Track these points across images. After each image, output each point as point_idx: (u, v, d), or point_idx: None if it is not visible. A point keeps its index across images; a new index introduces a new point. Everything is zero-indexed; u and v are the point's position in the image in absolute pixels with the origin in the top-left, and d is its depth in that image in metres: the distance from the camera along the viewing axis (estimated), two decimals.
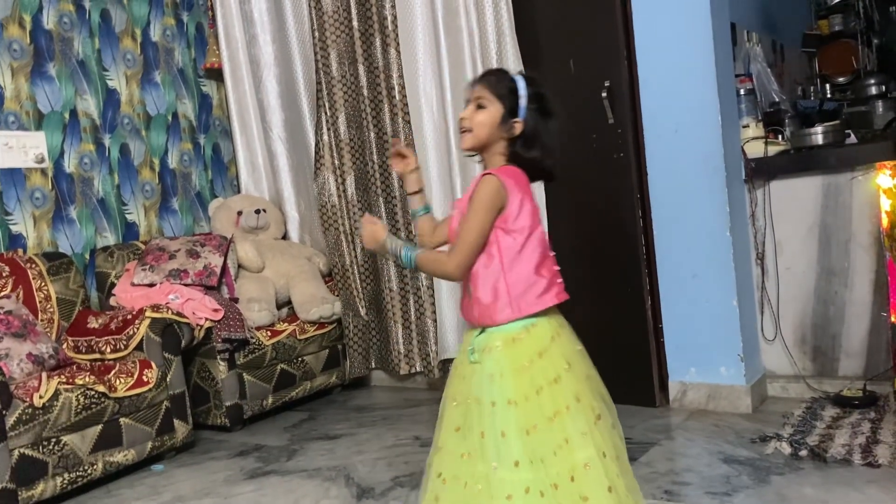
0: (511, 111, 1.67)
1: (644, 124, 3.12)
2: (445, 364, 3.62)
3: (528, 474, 1.57)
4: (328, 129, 3.95)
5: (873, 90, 4.39)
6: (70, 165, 3.66)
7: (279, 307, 3.86)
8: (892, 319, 2.87)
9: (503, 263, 1.65)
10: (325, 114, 3.93)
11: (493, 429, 1.60)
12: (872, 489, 2.19)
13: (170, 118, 4.16)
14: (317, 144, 4.00)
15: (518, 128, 1.67)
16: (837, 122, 3.26)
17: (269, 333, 3.62)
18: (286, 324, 3.75)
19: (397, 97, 3.67)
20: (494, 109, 1.67)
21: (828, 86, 4.74)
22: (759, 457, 2.52)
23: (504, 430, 1.59)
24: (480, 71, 3.34)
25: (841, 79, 4.80)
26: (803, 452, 2.49)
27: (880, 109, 4.30)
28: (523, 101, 1.67)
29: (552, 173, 1.76)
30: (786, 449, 2.53)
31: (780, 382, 3.16)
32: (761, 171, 3.11)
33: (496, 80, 1.70)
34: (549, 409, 1.60)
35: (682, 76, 3.00)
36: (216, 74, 4.36)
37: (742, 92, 3.29)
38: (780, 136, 3.30)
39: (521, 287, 1.65)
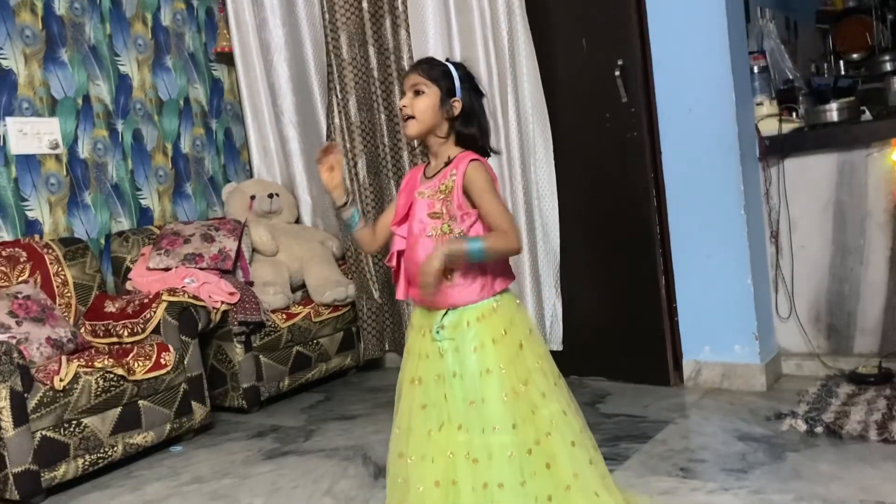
0: (448, 92, 1.73)
1: (657, 103, 3.11)
2: None
3: (521, 436, 1.66)
4: (339, 112, 3.95)
5: (888, 66, 4.34)
6: (84, 151, 3.67)
7: (293, 290, 3.88)
8: None
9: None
10: (336, 97, 3.93)
11: (479, 397, 1.67)
12: (889, 465, 2.19)
13: (182, 103, 4.16)
14: (328, 128, 4.00)
15: (457, 107, 1.73)
16: (852, 98, 3.24)
17: (284, 316, 3.65)
18: (301, 307, 3.78)
19: None
20: (433, 93, 1.72)
21: (842, 62, 4.69)
22: (774, 434, 2.53)
23: (491, 396, 1.67)
24: (492, 52, 3.34)
25: (855, 55, 4.75)
26: (819, 429, 2.49)
27: (895, 85, 4.26)
28: (457, 82, 1.74)
29: (489, 148, 1.81)
30: (801, 426, 2.53)
31: (795, 360, 3.16)
32: (775, 149, 3.10)
33: (429, 67, 1.76)
34: (522, 374, 1.71)
35: (695, 54, 2.98)
36: (227, 59, 4.36)
37: (756, 69, 3.26)
38: (794, 114, 3.28)
39: (497, 267, 1.74)
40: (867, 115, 3.13)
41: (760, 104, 3.18)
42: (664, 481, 2.26)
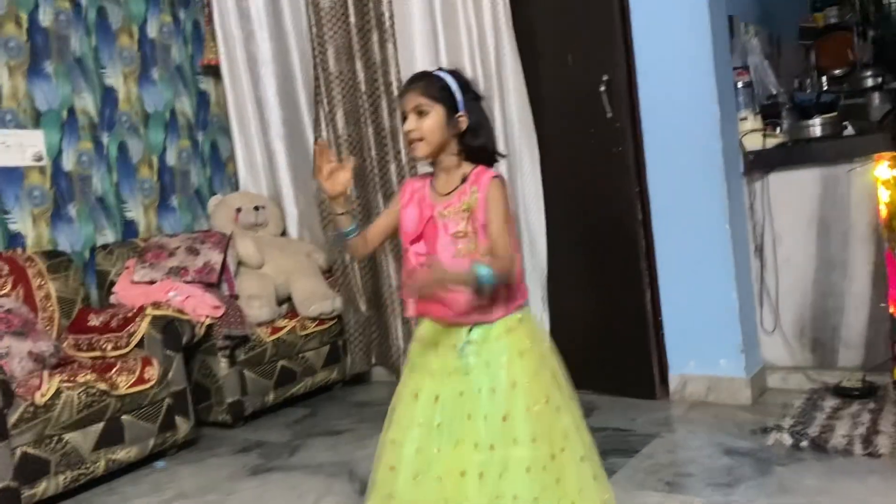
0: (451, 108, 1.69)
1: (642, 117, 3.13)
2: None
3: (540, 450, 1.64)
4: (326, 126, 3.95)
5: (869, 82, 4.38)
6: (68, 164, 3.65)
7: (279, 303, 3.86)
8: (891, 311, 2.89)
9: None
10: (324, 110, 3.93)
11: (511, 410, 1.65)
12: (874, 479, 2.20)
13: (168, 116, 4.15)
14: (315, 141, 3.99)
15: (464, 122, 1.70)
16: (834, 114, 3.27)
17: (269, 330, 3.63)
18: (287, 320, 3.76)
19: (395, 93, 3.67)
20: (437, 112, 1.68)
21: (824, 78, 4.74)
22: (760, 448, 2.54)
23: (520, 410, 1.65)
24: (479, 67, 3.36)
25: (837, 71, 4.79)
26: (804, 443, 2.50)
27: (877, 101, 4.30)
28: (459, 95, 1.70)
29: (496, 154, 1.78)
30: (787, 440, 2.54)
31: (780, 374, 3.17)
32: (759, 164, 3.12)
33: (427, 84, 1.71)
34: (544, 389, 1.70)
35: (680, 69, 3.00)
36: (214, 71, 4.36)
37: (740, 84, 3.29)
38: (777, 129, 3.31)
39: (518, 276, 1.74)
40: (849, 131, 3.16)
41: (745, 119, 3.21)
42: (651, 496, 2.26)
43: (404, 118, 1.72)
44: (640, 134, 3.15)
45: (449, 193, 1.72)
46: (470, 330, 1.69)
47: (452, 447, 1.67)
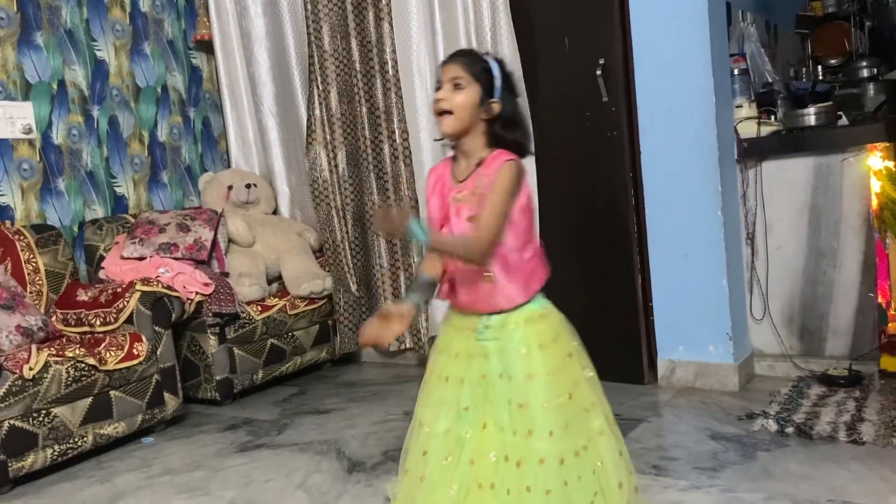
0: (487, 91, 1.65)
1: (638, 103, 3.12)
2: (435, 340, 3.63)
3: (558, 444, 1.63)
4: (320, 104, 3.92)
5: (865, 73, 4.39)
6: (58, 137, 3.61)
7: (269, 282, 3.85)
8: (879, 300, 2.91)
9: (519, 246, 1.68)
10: (317, 88, 3.90)
11: (526, 401, 1.64)
12: (856, 466, 2.22)
13: (159, 91, 4.11)
14: (308, 119, 3.97)
15: (496, 108, 1.66)
16: (829, 103, 3.27)
17: (259, 308, 3.62)
18: (277, 299, 3.75)
19: (390, 72, 3.64)
20: (473, 90, 1.65)
21: (820, 67, 4.74)
22: (745, 434, 2.56)
23: (536, 401, 1.64)
24: (475, 47, 3.33)
25: (833, 61, 4.80)
26: (789, 430, 2.52)
27: (871, 92, 4.31)
28: (498, 81, 1.67)
29: (529, 149, 1.75)
30: (772, 426, 2.56)
31: (768, 361, 3.20)
32: (753, 152, 3.12)
33: (471, 61, 1.68)
34: (570, 382, 1.69)
35: (676, 55, 2.99)
36: (206, 47, 4.31)
37: (736, 72, 3.29)
38: (772, 117, 3.31)
39: (530, 268, 1.71)
40: (844, 121, 3.17)
41: (740, 107, 3.20)
42: (637, 479, 2.27)
43: (438, 88, 1.68)
44: (635, 119, 3.14)
45: (465, 179, 1.69)
46: (489, 316, 1.69)
47: (480, 430, 1.67)
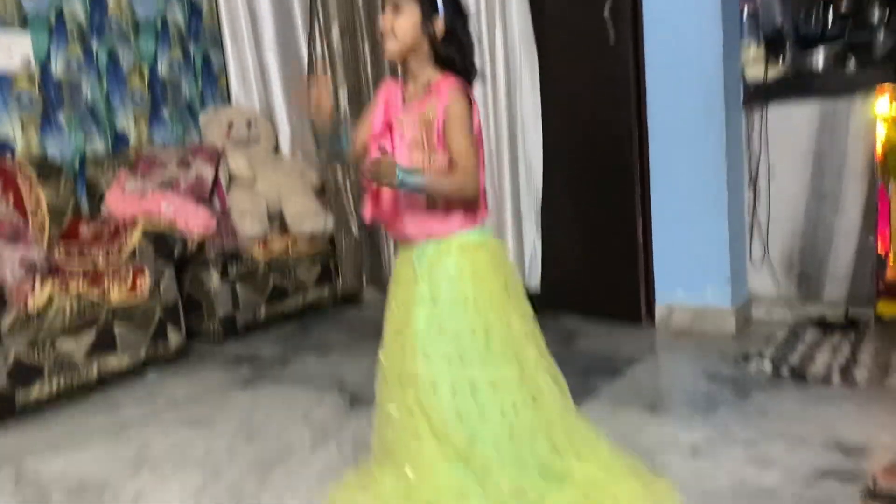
0: (429, 10, 1.64)
1: (645, 44, 3.07)
2: None
3: (479, 371, 1.66)
4: (321, 40, 3.86)
5: (876, 17, 4.32)
6: (57, 70, 3.57)
7: (271, 221, 3.85)
8: (879, 245, 2.92)
9: None
10: (319, 24, 3.84)
11: (449, 326, 1.67)
12: (848, 406, 2.27)
13: (159, 24, 4.04)
14: (309, 56, 3.91)
15: (440, 26, 1.64)
16: (839, 47, 3.22)
17: (261, 246, 3.63)
18: (278, 237, 3.76)
19: None
20: (412, 9, 1.64)
21: (831, 11, 4.65)
22: (741, 375, 2.60)
23: (461, 328, 1.67)
24: None
25: (844, 5, 4.71)
26: (784, 371, 2.56)
27: (882, 37, 4.24)
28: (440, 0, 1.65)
29: (474, 71, 1.73)
30: (767, 368, 2.60)
31: (765, 305, 3.22)
32: (760, 95, 3.09)
33: None
34: (505, 313, 1.71)
35: None
36: None
37: (745, 14, 3.23)
38: (780, 60, 3.26)
39: (477, 198, 1.70)
40: (852, 65, 3.12)
41: (748, 49, 3.16)
42: (632, 414, 2.32)
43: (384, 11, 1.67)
44: (642, 60, 3.09)
45: (413, 101, 1.70)
46: (427, 243, 1.71)
47: (409, 353, 1.70)
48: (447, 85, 1.65)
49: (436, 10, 1.64)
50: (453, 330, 1.67)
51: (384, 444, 1.79)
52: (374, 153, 1.70)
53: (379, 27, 1.68)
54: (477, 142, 1.68)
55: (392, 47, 1.67)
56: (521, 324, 1.75)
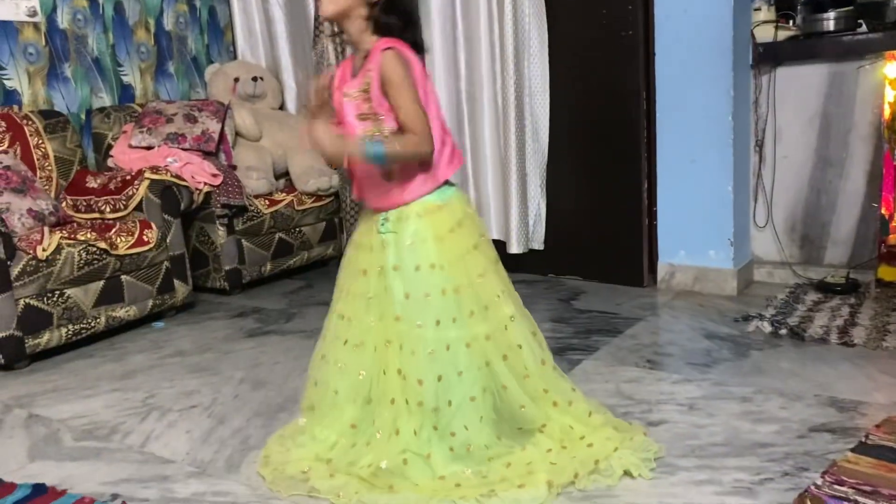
0: None
1: (654, 4, 3.05)
2: None
3: (451, 332, 1.69)
4: None
5: None
6: (63, 21, 3.55)
7: (276, 177, 3.87)
8: (882, 211, 2.93)
9: None
10: None
11: (417, 291, 1.69)
12: (845, 365, 2.30)
13: None
14: (316, 10, 3.88)
15: None
16: (850, 9, 3.19)
17: (267, 202, 3.65)
18: (284, 194, 3.78)
19: None
20: None
21: None
22: (740, 334, 2.63)
23: (428, 291, 1.69)
24: None
25: None
26: (783, 331, 2.59)
27: (895, 2, 4.19)
28: None
29: (419, 43, 1.69)
30: (766, 328, 2.63)
31: (767, 268, 3.25)
32: (768, 57, 3.08)
33: None
34: (474, 271, 1.73)
35: None
36: None
37: None
38: (790, 22, 3.24)
39: (435, 156, 1.68)
40: (863, 28, 3.10)
41: (758, 10, 3.13)
42: (631, 371, 2.36)
43: None
44: (651, 19, 3.07)
45: (357, 73, 1.67)
46: (389, 210, 1.72)
47: (380, 319, 1.74)
48: (379, 45, 1.61)
49: None
50: (423, 294, 1.69)
51: (327, 399, 1.82)
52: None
53: None
54: (425, 98, 1.65)
55: (327, 8, 1.63)
56: (493, 280, 1.77)
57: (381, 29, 1.64)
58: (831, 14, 3.04)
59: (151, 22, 3.95)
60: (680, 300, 3.08)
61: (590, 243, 3.40)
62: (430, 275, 1.69)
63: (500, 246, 3.42)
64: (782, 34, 3.09)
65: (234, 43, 4.29)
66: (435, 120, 1.68)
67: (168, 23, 4.03)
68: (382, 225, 1.72)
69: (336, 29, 1.69)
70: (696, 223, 3.13)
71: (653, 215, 3.24)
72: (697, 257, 3.16)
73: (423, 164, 1.68)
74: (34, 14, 3.43)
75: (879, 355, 2.36)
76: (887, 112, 2.86)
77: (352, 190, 1.79)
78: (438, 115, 1.71)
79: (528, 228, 3.44)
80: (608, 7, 3.13)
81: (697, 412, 2.05)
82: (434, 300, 1.69)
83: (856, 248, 3.07)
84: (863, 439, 1.79)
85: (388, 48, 1.61)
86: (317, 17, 3.87)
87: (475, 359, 1.71)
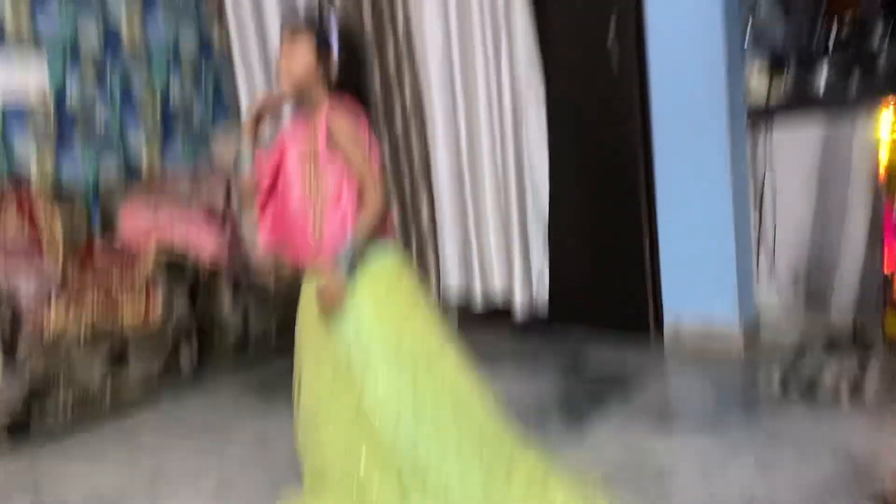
0: (324, 43, 1.71)
1: (650, 64, 3.11)
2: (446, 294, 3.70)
3: (404, 392, 1.70)
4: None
5: (878, 33, 4.34)
6: (72, 97, 3.64)
7: None
8: (885, 263, 2.93)
9: (354, 194, 1.72)
10: None
11: (359, 355, 1.71)
12: (858, 422, 2.28)
13: (171, 51, 4.11)
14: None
15: (333, 59, 1.72)
16: (842, 64, 3.25)
17: (272, 269, 3.66)
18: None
19: (401, 33, 3.63)
20: (307, 50, 1.71)
21: (833, 27, 4.68)
22: (750, 391, 2.61)
23: (373, 356, 1.71)
24: (486, 4, 3.31)
25: (846, 20, 4.74)
26: (793, 388, 2.57)
27: (886, 51, 4.26)
28: (334, 32, 1.72)
29: (362, 86, 1.81)
30: (776, 384, 2.61)
31: (773, 321, 3.23)
32: (764, 114, 3.12)
33: (306, 18, 1.76)
34: (415, 331, 1.75)
35: (688, 14, 2.98)
36: (217, 7, 4.28)
37: (748, 32, 3.26)
38: (784, 76, 3.29)
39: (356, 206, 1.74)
40: (855, 82, 3.15)
41: (751, 67, 3.19)
42: (640, 431, 2.33)
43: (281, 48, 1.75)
44: (646, 79, 3.13)
45: (304, 125, 1.76)
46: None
47: (331, 390, 1.74)
48: (323, 106, 1.71)
49: (329, 48, 1.71)
50: (367, 352, 1.70)
51: (316, 471, 1.81)
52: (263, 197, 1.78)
53: (276, 64, 1.75)
54: (368, 152, 1.72)
55: (285, 83, 1.73)
56: (430, 338, 1.77)
57: (329, 83, 1.74)
58: (823, 68, 3.09)
59: (157, 95, 4.03)
60: (687, 354, 3.06)
61: (594, 299, 3.40)
62: (371, 333, 1.73)
63: (505, 302, 3.45)
64: (776, 92, 3.14)
65: (238, 112, 4.36)
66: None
67: (174, 95, 4.11)
68: (310, 282, 1.78)
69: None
70: (700, 278, 3.13)
71: (656, 270, 3.25)
72: (703, 312, 3.15)
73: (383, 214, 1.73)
74: (44, 91, 3.51)
75: (892, 411, 2.33)
76: (883, 166, 2.88)
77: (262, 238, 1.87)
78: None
79: (532, 286, 3.45)
80: (603, 71, 3.20)
81: (711, 475, 2.02)
82: (378, 356, 1.72)
83: (860, 301, 3.06)
84: (880, 491, 1.76)
85: (337, 103, 1.71)
86: None
87: (431, 411, 1.72)
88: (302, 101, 1.77)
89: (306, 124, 1.76)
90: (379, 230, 1.74)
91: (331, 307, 1.70)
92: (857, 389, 2.49)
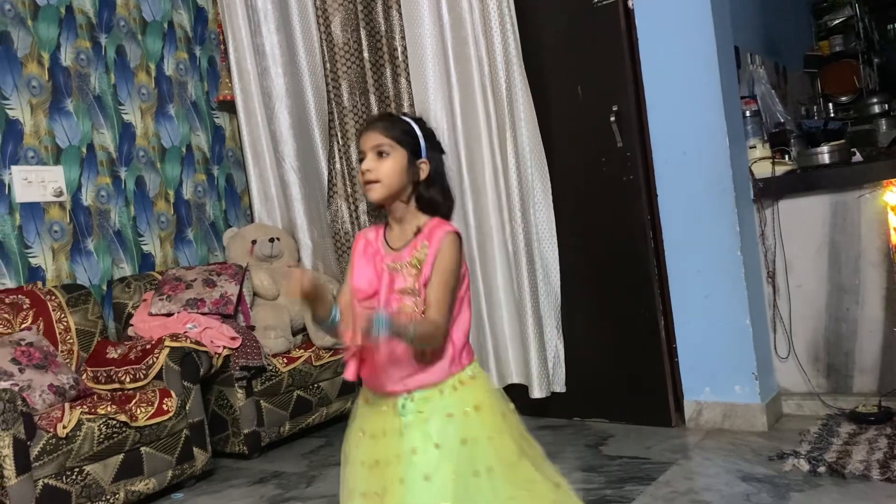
0: (414, 153, 1.63)
1: (652, 147, 3.17)
2: None
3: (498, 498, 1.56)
4: (340, 158, 4.01)
5: (876, 109, 4.45)
6: (87, 198, 3.72)
7: (294, 334, 3.89)
8: None
9: (454, 318, 1.62)
10: (338, 143, 4.00)
11: (472, 468, 1.55)
12: (890, 498, 2.20)
13: (184, 150, 4.23)
14: (329, 173, 4.06)
15: (425, 169, 1.63)
16: (842, 140, 3.31)
17: (285, 360, 3.65)
18: (302, 350, 3.79)
19: None
20: (399, 155, 1.61)
21: (831, 105, 4.80)
22: (777, 474, 2.54)
23: (479, 467, 1.55)
24: (491, 100, 3.41)
25: (844, 98, 4.87)
26: (821, 469, 2.50)
27: (884, 127, 4.36)
28: (423, 141, 1.64)
29: (451, 211, 1.70)
30: (804, 466, 2.54)
31: (795, 400, 3.18)
32: (769, 191, 3.16)
33: (390, 124, 1.64)
34: (512, 444, 1.61)
35: (688, 99, 3.06)
36: (229, 106, 4.44)
37: (748, 113, 3.34)
38: (786, 156, 3.35)
39: (463, 340, 1.64)
40: (858, 157, 3.20)
41: (753, 147, 3.25)
42: None
43: (362, 158, 1.63)
44: (650, 163, 3.19)
45: (402, 247, 1.63)
46: (410, 393, 1.59)
47: None
48: (441, 229, 1.60)
49: (420, 153, 1.63)
50: (456, 470, 1.54)
51: None
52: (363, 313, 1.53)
53: (361, 174, 1.63)
54: (463, 294, 1.62)
55: (378, 193, 1.61)
56: (532, 453, 1.65)
57: (424, 204, 1.65)
58: (825, 148, 3.15)
59: (171, 193, 4.13)
60: (710, 439, 2.99)
61: (613, 384, 3.35)
62: (477, 449, 1.56)
63: (522, 390, 3.40)
64: (780, 169, 3.19)
65: (250, 207, 4.45)
66: (468, 304, 1.65)
67: (187, 192, 4.21)
68: (403, 408, 1.59)
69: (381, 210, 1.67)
70: (718, 358, 3.10)
71: (673, 353, 3.22)
72: (723, 393, 3.10)
73: (426, 352, 1.59)
74: (60, 194, 3.60)
75: None
76: (894, 237, 2.90)
77: (350, 371, 1.66)
78: (468, 299, 1.67)
79: (549, 371, 3.41)
80: (606, 156, 3.26)
81: None
82: (468, 477, 1.54)
83: (883, 375, 3.01)
84: None
85: (448, 233, 1.60)
86: (330, 179, 4.05)
87: None
88: (389, 214, 1.66)
89: (406, 245, 1.63)
90: (465, 357, 1.62)
91: (296, 289, 1.53)
92: (887, 468, 2.42)
